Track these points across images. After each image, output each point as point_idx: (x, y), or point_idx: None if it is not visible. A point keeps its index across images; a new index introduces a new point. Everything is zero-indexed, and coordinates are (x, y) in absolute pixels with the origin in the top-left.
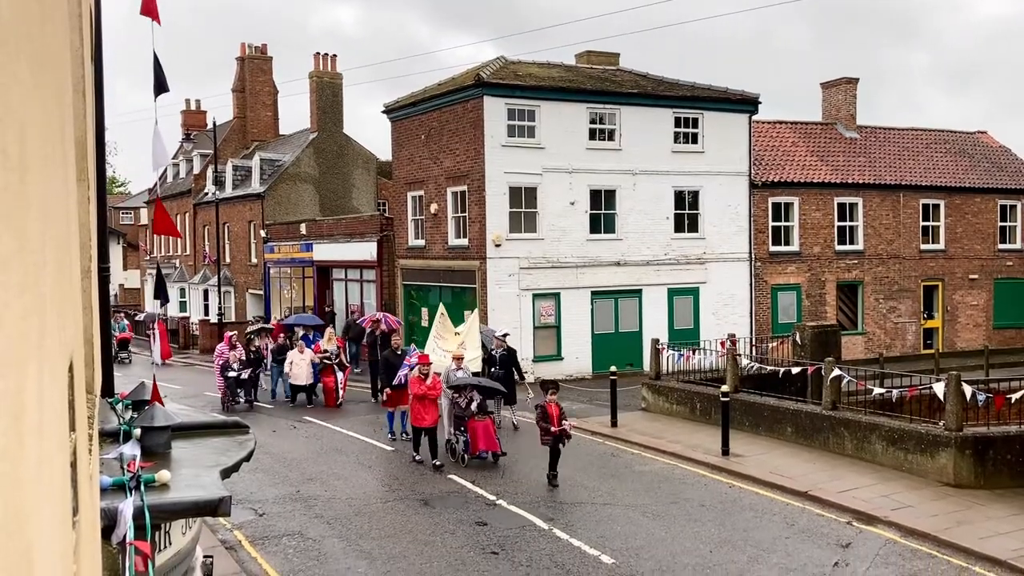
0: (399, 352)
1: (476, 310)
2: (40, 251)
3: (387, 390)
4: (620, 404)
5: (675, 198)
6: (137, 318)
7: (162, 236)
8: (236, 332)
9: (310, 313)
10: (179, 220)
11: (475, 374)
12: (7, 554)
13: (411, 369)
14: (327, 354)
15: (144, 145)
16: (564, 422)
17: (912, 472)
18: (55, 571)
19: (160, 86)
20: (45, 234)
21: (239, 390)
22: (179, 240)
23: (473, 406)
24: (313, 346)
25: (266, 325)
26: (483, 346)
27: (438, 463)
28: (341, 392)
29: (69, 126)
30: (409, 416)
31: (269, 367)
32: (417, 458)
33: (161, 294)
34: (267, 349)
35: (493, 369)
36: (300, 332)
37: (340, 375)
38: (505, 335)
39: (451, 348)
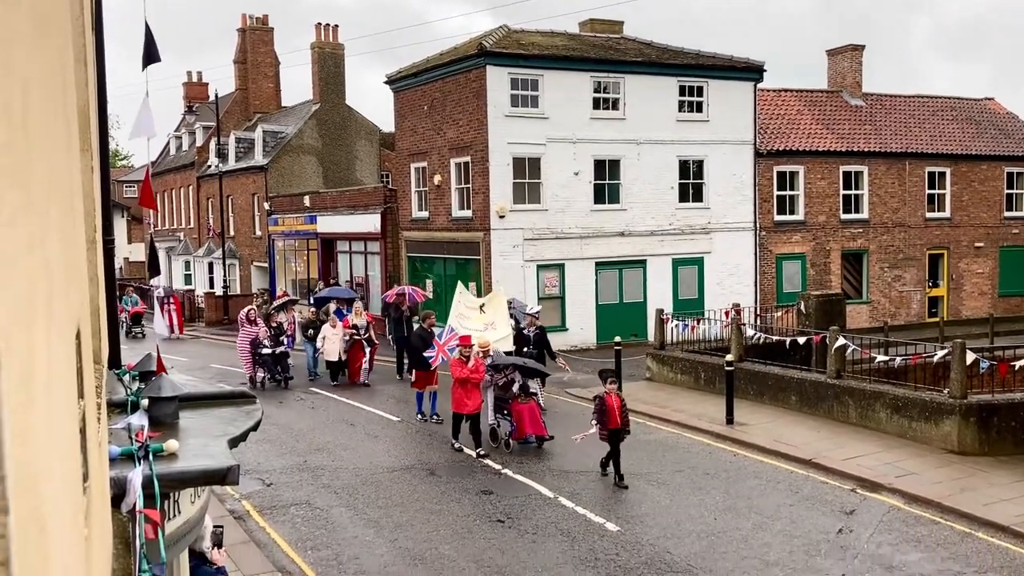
0: (431, 330)
1: (501, 284)
2: (45, 212)
3: (415, 370)
4: (625, 374)
5: (680, 168)
6: (155, 292)
7: (160, 201)
8: (253, 307)
9: (345, 286)
10: (182, 193)
11: (507, 354)
12: (19, 509)
13: (448, 351)
14: (356, 329)
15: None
16: (625, 418)
17: (916, 440)
18: (66, 531)
19: (150, 56)
20: (49, 197)
21: (277, 367)
22: (183, 213)
23: (515, 387)
24: (343, 321)
25: (290, 298)
26: (514, 321)
27: (482, 452)
28: (368, 369)
29: (71, 92)
30: (431, 397)
31: (298, 343)
32: (456, 446)
33: (152, 266)
34: (293, 324)
35: (526, 349)
36: (333, 306)
37: (367, 351)
38: (537, 312)
39: (477, 327)
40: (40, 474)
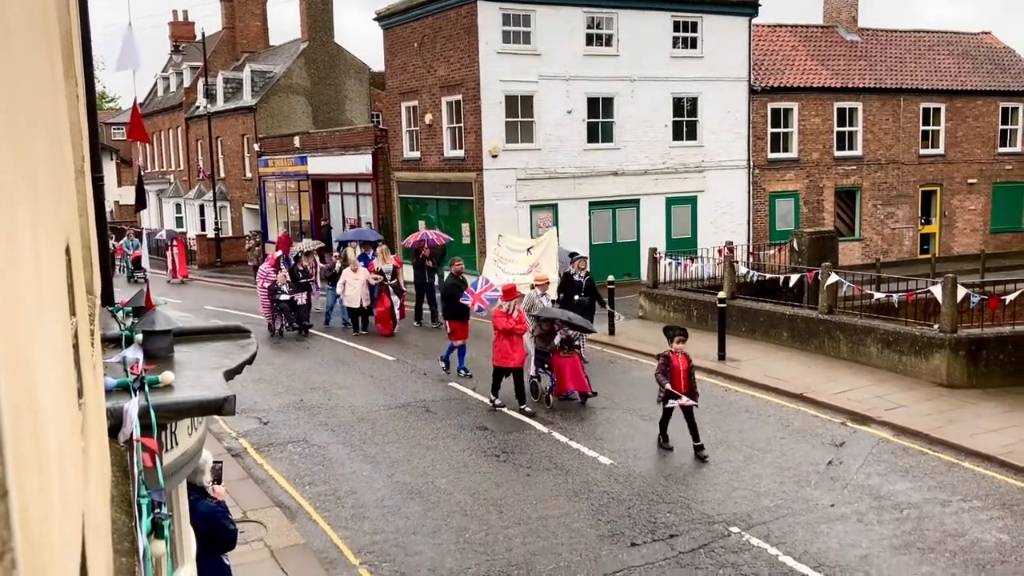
0: (462, 279)
1: (553, 227)
2: (31, 106)
3: (450, 321)
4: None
5: (673, 105)
6: (158, 236)
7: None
8: (283, 252)
9: (367, 227)
10: (170, 135)
11: (553, 302)
12: (12, 387)
13: (487, 300)
14: (382, 276)
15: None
16: (683, 398)
17: (906, 373)
18: (63, 438)
19: None
20: (34, 103)
21: (295, 314)
22: (173, 155)
23: (557, 340)
24: (367, 265)
25: (316, 244)
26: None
27: (527, 409)
28: (397, 318)
29: (51, 15)
30: (460, 351)
31: (320, 289)
32: (497, 403)
33: (139, 200)
34: (315, 269)
35: (577, 297)
36: (353, 251)
37: (395, 299)
38: (583, 257)
39: (519, 271)
40: (34, 363)
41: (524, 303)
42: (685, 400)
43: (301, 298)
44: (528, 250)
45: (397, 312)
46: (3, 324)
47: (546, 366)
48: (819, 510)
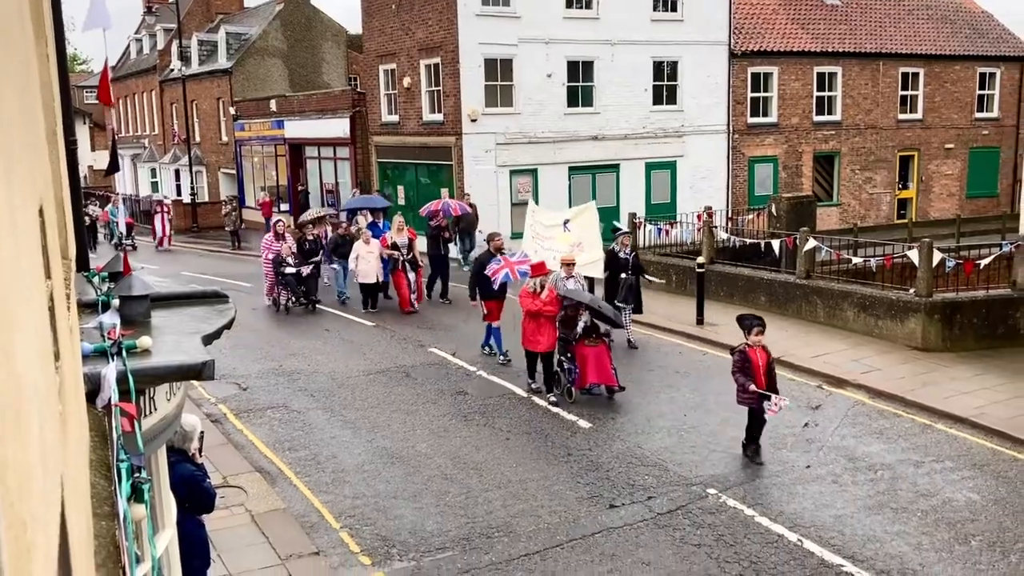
0: (498, 254)
1: (593, 201)
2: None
3: (484, 300)
4: (597, 279)
5: (654, 69)
6: (156, 198)
7: (123, 105)
8: (282, 220)
9: (376, 194)
10: (144, 98)
11: (587, 280)
12: None
13: (519, 274)
14: (396, 249)
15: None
16: (775, 398)
17: (882, 337)
18: (41, 400)
19: None
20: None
21: (301, 288)
22: (147, 119)
23: (579, 327)
24: (380, 238)
25: (325, 211)
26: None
27: (552, 399)
28: (418, 294)
29: None
30: (494, 332)
31: (330, 261)
32: (534, 386)
33: (112, 163)
34: (326, 239)
35: (624, 275)
36: (364, 219)
37: (412, 275)
38: (628, 232)
39: (561, 249)
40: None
41: (549, 283)
42: (781, 402)
43: (306, 269)
44: (565, 224)
45: (414, 289)
46: None
47: (568, 355)
48: (795, 472)
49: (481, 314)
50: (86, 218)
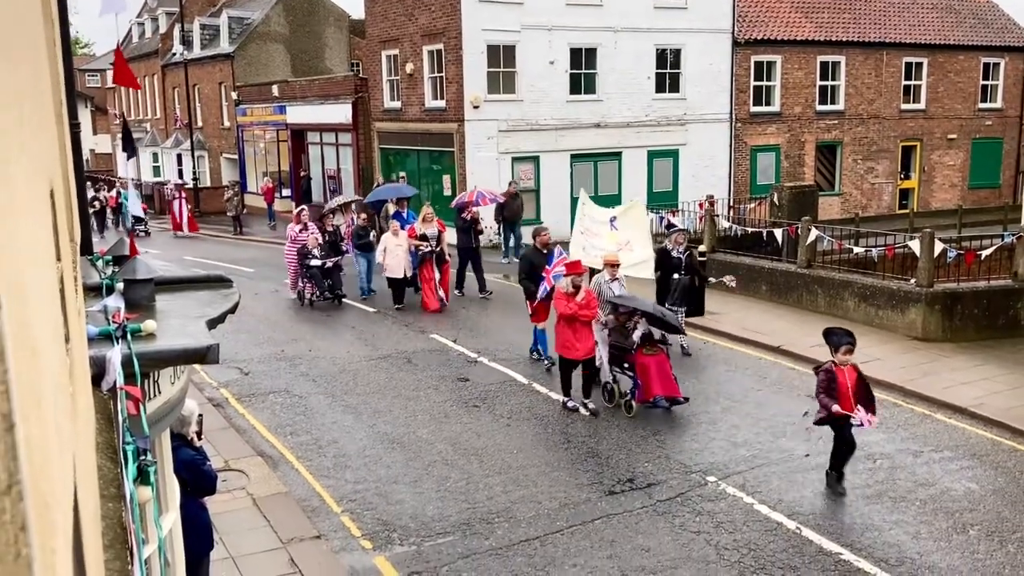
0: (545, 251)
1: (640, 197)
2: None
3: (529, 301)
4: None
5: (657, 57)
6: (168, 186)
7: (126, 90)
8: (305, 208)
9: (402, 182)
10: (147, 82)
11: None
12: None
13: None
14: (425, 241)
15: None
16: (860, 410)
17: (882, 327)
18: (55, 380)
19: None
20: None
21: (326, 282)
22: (149, 103)
23: (636, 335)
24: (408, 229)
25: (350, 198)
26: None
27: (591, 406)
28: (444, 292)
29: None
30: (539, 334)
31: (351, 252)
32: (570, 404)
33: (128, 147)
34: (350, 228)
35: (676, 275)
36: (391, 208)
37: (438, 271)
38: (683, 230)
39: (608, 247)
40: (29, 303)
41: (591, 287)
42: (868, 417)
43: (332, 262)
44: (611, 221)
45: (440, 285)
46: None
47: (625, 365)
48: (794, 460)
49: (528, 314)
50: (96, 203)
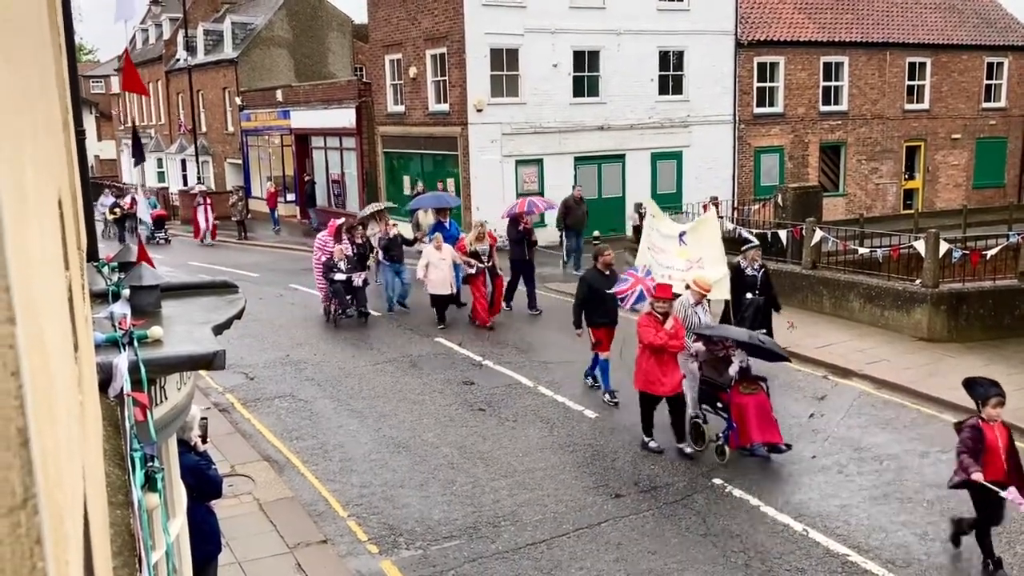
0: (607, 273)
1: (712, 210)
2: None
3: (591, 327)
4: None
5: (660, 59)
6: (194, 191)
7: (133, 96)
8: (344, 219)
9: (441, 190)
10: (151, 88)
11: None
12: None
13: (636, 301)
14: (476, 258)
15: (111, 9)
16: (1013, 491)
17: (888, 328)
18: (65, 391)
19: None
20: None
21: (349, 298)
22: (153, 109)
23: (732, 370)
24: (458, 243)
25: (384, 205)
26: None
27: (688, 450)
28: (498, 305)
29: None
30: (602, 365)
31: (378, 262)
32: (653, 445)
33: (137, 152)
34: (378, 239)
35: (749, 295)
36: (427, 217)
37: (490, 286)
38: (757, 245)
39: (676, 266)
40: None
41: (678, 311)
42: (1014, 496)
43: (359, 278)
44: (680, 237)
45: (492, 301)
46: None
47: (719, 405)
48: (800, 462)
49: (589, 343)
50: (117, 210)
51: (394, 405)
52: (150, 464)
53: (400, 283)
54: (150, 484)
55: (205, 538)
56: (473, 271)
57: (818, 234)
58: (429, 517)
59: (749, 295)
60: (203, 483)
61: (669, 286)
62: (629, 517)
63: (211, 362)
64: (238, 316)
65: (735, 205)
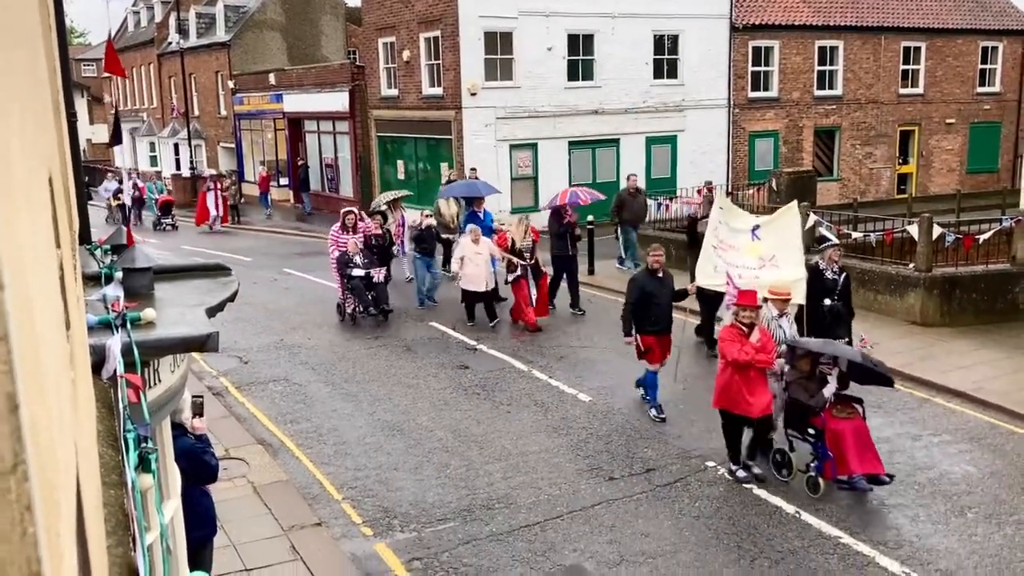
0: (660, 275)
1: (795, 201)
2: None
3: (641, 335)
4: (597, 253)
5: (654, 43)
6: (204, 174)
7: (122, 79)
8: (353, 211)
9: (474, 178)
10: (143, 71)
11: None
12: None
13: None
14: (520, 256)
15: None
16: None
17: (881, 312)
18: (56, 366)
19: None
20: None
21: (369, 294)
22: (146, 92)
23: (828, 391)
24: (496, 237)
25: (402, 193)
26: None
27: (756, 470)
28: (543, 302)
29: None
30: (652, 379)
31: (403, 252)
32: (740, 474)
33: (114, 135)
34: (402, 227)
35: (828, 301)
36: (452, 207)
37: (534, 284)
38: (837, 245)
39: (746, 264)
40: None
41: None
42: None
43: (378, 274)
44: (754, 231)
45: (535, 299)
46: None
47: (810, 432)
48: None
49: (637, 352)
50: (120, 195)
51: (388, 389)
52: (144, 445)
53: (431, 277)
54: (144, 465)
55: (201, 521)
56: (518, 272)
57: (812, 218)
58: (423, 500)
59: (828, 301)
60: (198, 467)
61: (754, 292)
62: (623, 500)
63: (204, 344)
64: (231, 299)
65: (729, 190)
